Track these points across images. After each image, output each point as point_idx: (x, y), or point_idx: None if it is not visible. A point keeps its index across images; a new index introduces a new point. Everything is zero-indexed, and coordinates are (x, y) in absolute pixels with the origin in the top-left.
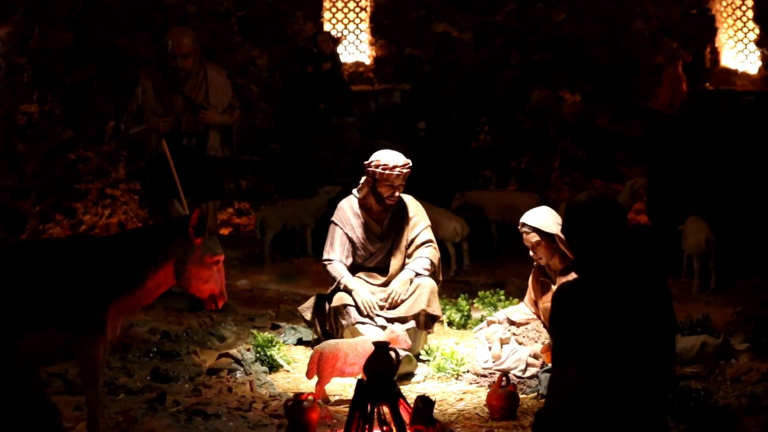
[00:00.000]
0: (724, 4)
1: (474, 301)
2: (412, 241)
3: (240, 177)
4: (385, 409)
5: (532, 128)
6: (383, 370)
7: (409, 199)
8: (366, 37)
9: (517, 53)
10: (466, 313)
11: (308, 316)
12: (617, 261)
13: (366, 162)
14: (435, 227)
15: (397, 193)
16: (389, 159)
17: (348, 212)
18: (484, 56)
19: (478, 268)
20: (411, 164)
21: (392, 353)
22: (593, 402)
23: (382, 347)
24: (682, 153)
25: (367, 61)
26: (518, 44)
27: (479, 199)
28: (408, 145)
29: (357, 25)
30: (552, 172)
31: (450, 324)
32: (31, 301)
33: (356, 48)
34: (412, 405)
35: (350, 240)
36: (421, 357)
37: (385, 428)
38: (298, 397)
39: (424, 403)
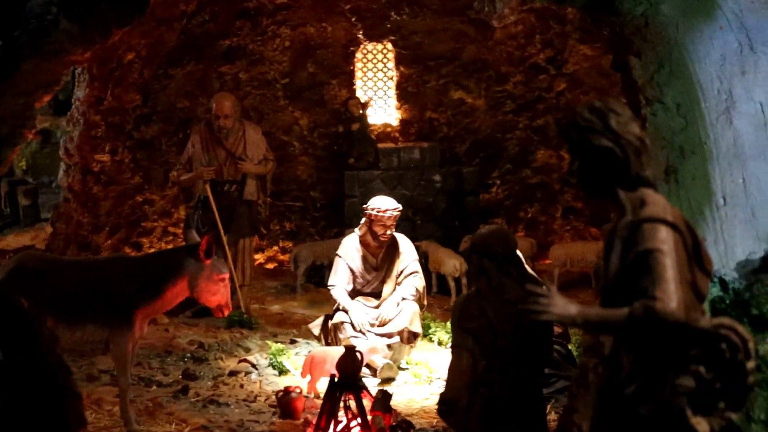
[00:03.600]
0: None
1: None
2: (402, 271)
3: (285, 220)
4: (352, 401)
5: (537, 183)
6: (350, 368)
7: (400, 237)
8: (393, 102)
9: (525, 118)
10: None
11: (316, 332)
12: (503, 277)
13: (364, 206)
14: (438, 263)
15: (389, 232)
16: (382, 204)
17: (350, 247)
18: (495, 120)
19: None
20: (401, 208)
21: (357, 355)
22: (481, 386)
23: (350, 350)
24: None
25: (394, 123)
26: (525, 110)
27: None
28: (425, 195)
29: (385, 92)
30: (555, 220)
31: (439, 344)
32: (80, 303)
33: (385, 111)
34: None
35: (351, 270)
36: (401, 366)
37: (350, 413)
38: (287, 389)
39: (383, 395)
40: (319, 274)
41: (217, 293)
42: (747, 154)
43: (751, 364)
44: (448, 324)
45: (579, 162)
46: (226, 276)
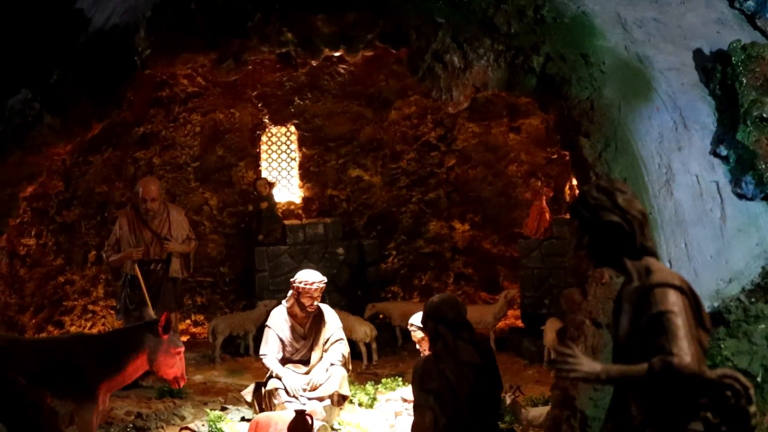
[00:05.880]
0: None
1: (378, 386)
2: (328, 339)
3: (196, 295)
4: None
5: (430, 252)
6: (301, 430)
7: (325, 308)
8: (296, 181)
9: (418, 192)
10: (372, 396)
11: (249, 398)
12: (457, 340)
13: (292, 279)
14: (349, 330)
15: (315, 303)
16: (308, 277)
17: (279, 318)
18: (390, 195)
19: (384, 362)
20: (326, 281)
21: (308, 419)
22: None
23: (300, 413)
24: (547, 269)
25: (298, 201)
26: (418, 185)
27: (387, 308)
28: (329, 267)
29: (289, 171)
30: (448, 286)
31: (360, 405)
32: (45, 380)
33: (288, 190)
34: None
35: (280, 339)
36: (334, 427)
37: None
38: None
39: None
40: (234, 344)
41: (174, 366)
42: (687, 221)
43: (753, 409)
44: (367, 387)
45: (589, 236)
46: (182, 349)
